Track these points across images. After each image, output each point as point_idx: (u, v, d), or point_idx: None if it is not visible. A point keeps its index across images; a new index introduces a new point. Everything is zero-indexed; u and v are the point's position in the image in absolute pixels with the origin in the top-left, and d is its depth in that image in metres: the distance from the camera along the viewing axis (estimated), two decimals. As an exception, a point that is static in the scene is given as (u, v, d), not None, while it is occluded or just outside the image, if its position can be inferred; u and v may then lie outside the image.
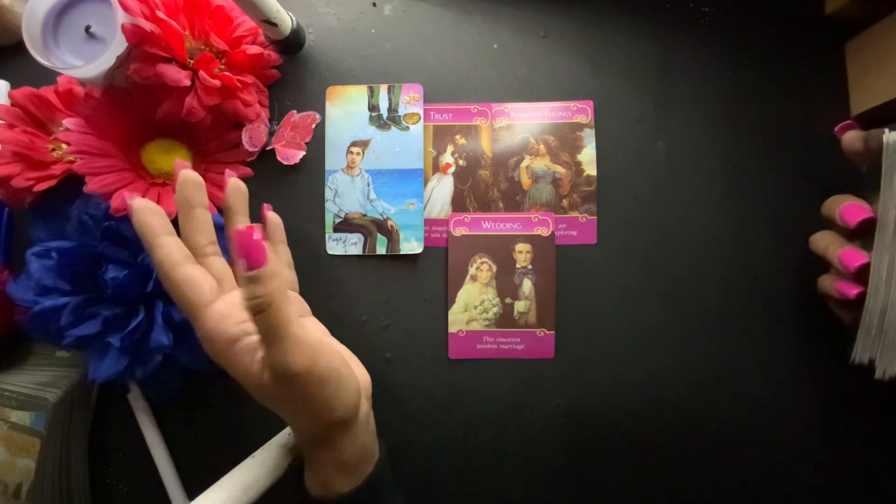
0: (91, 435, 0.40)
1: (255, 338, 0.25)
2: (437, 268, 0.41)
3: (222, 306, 0.26)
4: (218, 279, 0.28)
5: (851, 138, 0.33)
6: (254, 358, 0.25)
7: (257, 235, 0.21)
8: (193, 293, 0.26)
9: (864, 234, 0.32)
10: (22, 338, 0.40)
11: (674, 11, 0.42)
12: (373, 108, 0.42)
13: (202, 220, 0.28)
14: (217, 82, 0.36)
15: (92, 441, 0.40)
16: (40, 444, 0.36)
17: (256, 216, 0.41)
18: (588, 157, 0.41)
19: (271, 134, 0.41)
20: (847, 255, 0.32)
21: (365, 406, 0.30)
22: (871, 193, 0.32)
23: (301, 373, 0.24)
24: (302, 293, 0.37)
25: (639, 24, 0.42)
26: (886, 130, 0.30)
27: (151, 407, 0.40)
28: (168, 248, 0.26)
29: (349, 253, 0.41)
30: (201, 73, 0.35)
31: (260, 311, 0.22)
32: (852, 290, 0.32)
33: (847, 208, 0.32)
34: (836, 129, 0.34)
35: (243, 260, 0.21)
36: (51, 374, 0.38)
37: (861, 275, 0.32)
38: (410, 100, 0.41)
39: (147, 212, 0.26)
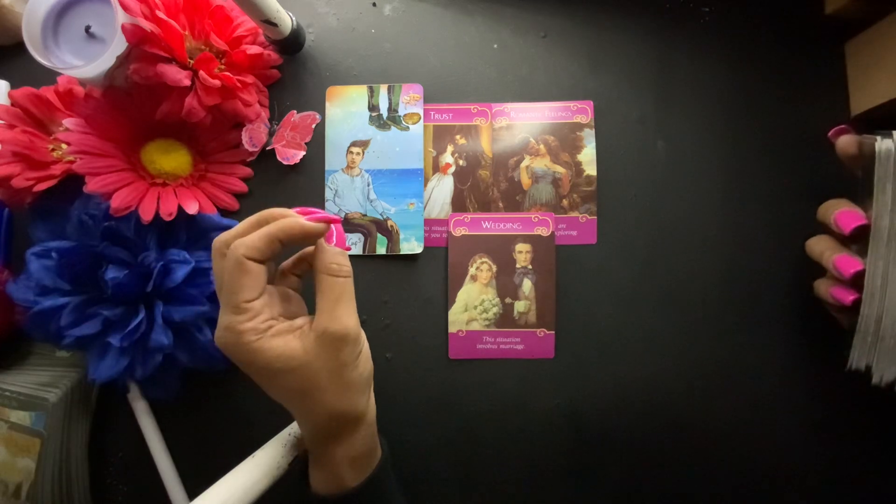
0: (91, 435, 0.40)
1: (286, 323, 0.28)
2: (437, 268, 0.41)
3: (259, 304, 0.27)
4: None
5: (845, 143, 0.33)
6: (289, 336, 0.27)
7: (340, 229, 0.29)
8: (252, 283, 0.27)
9: (859, 239, 0.32)
10: (22, 338, 0.40)
11: (674, 11, 0.42)
12: (373, 108, 0.42)
13: (273, 249, 0.28)
14: (217, 82, 0.36)
15: (92, 441, 0.39)
16: (40, 444, 0.36)
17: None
18: (588, 157, 0.41)
19: (271, 134, 0.41)
20: (842, 261, 0.32)
21: (372, 398, 0.31)
22: (866, 198, 0.32)
23: (353, 332, 0.27)
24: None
25: (639, 24, 0.42)
26: (878, 138, 0.30)
27: (151, 407, 0.40)
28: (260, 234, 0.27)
29: (349, 253, 0.41)
30: (201, 73, 0.35)
31: (344, 275, 0.28)
32: (848, 297, 0.32)
33: (841, 215, 0.32)
34: (830, 132, 0.34)
35: (341, 240, 0.29)
36: (51, 374, 0.38)
37: (856, 281, 0.32)
38: (410, 100, 0.41)
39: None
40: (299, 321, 0.28)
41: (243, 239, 0.27)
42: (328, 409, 0.28)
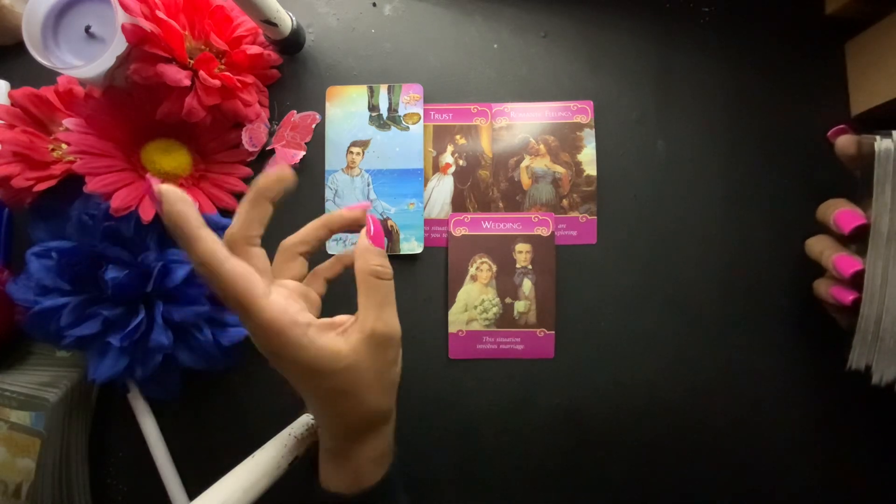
0: (91, 435, 0.40)
1: (326, 319, 0.28)
2: (437, 268, 0.41)
3: (279, 297, 0.25)
4: (262, 270, 0.27)
5: (844, 143, 0.33)
6: (332, 333, 0.27)
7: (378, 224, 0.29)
8: (250, 285, 0.24)
9: (858, 239, 0.32)
10: (22, 338, 0.40)
11: (674, 11, 0.42)
12: (373, 108, 0.42)
13: (266, 214, 0.28)
14: (217, 82, 0.36)
15: (92, 441, 0.40)
16: (40, 444, 0.36)
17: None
18: (588, 157, 0.41)
19: (271, 134, 0.41)
20: (842, 261, 0.32)
21: None
22: (865, 198, 0.32)
23: (399, 333, 0.28)
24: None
25: (639, 24, 0.42)
26: (878, 138, 0.30)
27: (151, 407, 0.40)
28: (213, 242, 0.24)
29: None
30: (201, 73, 0.35)
31: (389, 277, 0.28)
32: (847, 297, 0.32)
33: (841, 214, 0.32)
34: (829, 133, 0.34)
35: (379, 238, 0.29)
36: (51, 374, 0.38)
37: (856, 281, 0.32)
38: (410, 100, 0.41)
39: (181, 201, 0.24)
40: (339, 318, 0.29)
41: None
42: (367, 409, 0.28)
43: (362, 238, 0.29)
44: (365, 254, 0.28)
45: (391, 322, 0.27)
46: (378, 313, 0.27)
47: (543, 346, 0.40)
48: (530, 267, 0.40)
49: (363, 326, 0.27)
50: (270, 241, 0.42)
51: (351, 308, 0.28)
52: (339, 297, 0.33)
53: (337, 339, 0.26)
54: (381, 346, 0.27)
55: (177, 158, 0.38)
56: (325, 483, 0.29)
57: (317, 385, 0.27)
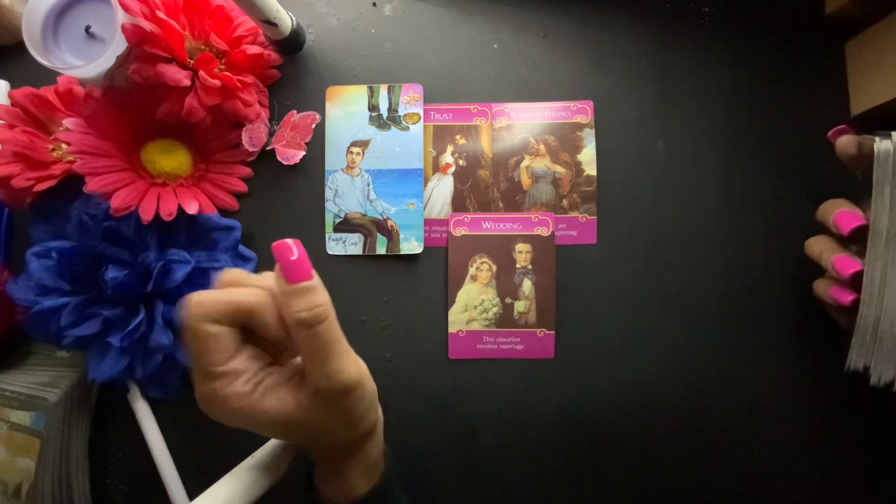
0: (91, 435, 0.39)
1: (275, 375, 0.25)
2: (437, 268, 0.41)
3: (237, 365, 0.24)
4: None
5: (845, 143, 0.33)
6: (281, 392, 0.24)
7: (299, 249, 0.23)
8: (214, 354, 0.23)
9: (858, 239, 0.32)
10: (22, 338, 0.40)
11: (674, 11, 0.42)
12: (373, 108, 0.42)
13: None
14: (217, 82, 0.36)
15: (92, 441, 0.39)
16: (40, 444, 0.36)
17: (259, 217, 0.41)
18: (588, 157, 0.41)
19: (271, 134, 0.41)
20: (841, 262, 0.32)
21: (378, 405, 0.30)
22: (865, 198, 0.32)
23: (353, 381, 0.24)
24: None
25: (639, 24, 0.42)
26: (877, 139, 0.30)
27: (151, 407, 0.40)
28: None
29: (349, 253, 0.41)
30: (201, 73, 0.35)
31: (319, 321, 0.22)
32: (847, 297, 0.32)
33: (840, 215, 0.32)
34: (829, 133, 0.34)
35: (293, 272, 0.22)
36: (51, 374, 0.38)
37: (855, 282, 0.32)
38: (410, 100, 0.41)
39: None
40: (289, 369, 0.25)
41: (200, 299, 0.22)
42: (342, 440, 0.27)
43: (277, 279, 0.23)
44: (285, 298, 0.23)
45: (340, 375, 0.23)
46: (321, 369, 0.23)
47: (543, 346, 0.40)
48: (530, 267, 0.40)
49: (309, 384, 0.24)
50: (271, 243, 0.42)
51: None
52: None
53: (286, 397, 0.24)
54: (334, 401, 0.24)
55: (177, 158, 0.38)
56: (319, 490, 0.30)
57: (284, 435, 0.26)
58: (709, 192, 0.41)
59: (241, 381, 0.23)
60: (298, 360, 0.26)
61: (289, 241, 0.23)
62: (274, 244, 0.23)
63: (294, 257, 0.23)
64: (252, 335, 0.25)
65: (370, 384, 0.26)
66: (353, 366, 0.24)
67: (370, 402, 0.26)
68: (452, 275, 0.40)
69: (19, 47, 0.38)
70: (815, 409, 0.39)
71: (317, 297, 0.23)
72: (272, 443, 0.32)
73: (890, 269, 0.30)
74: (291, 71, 0.42)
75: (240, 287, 0.24)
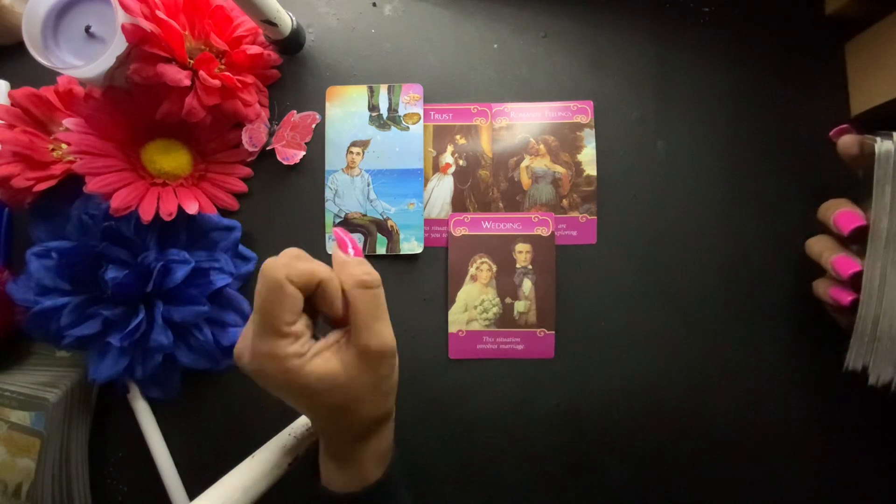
0: (91, 435, 0.40)
1: (322, 341, 0.27)
2: (437, 268, 0.41)
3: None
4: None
5: (847, 142, 0.33)
6: (326, 354, 0.26)
7: (349, 237, 0.29)
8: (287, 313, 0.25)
9: (858, 240, 0.32)
10: (22, 338, 0.40)
11: (674, 11, 0.42)
12: (373, 108, 0.42)
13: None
14: (217, 82, 0.36)
15: (92, 441, 0.39)
16: (40, 444, 0.36)
17: (259, 217, 0.41)
18: (588, 157, 0.41)
19: (271, 134, 0.41)
20: (840, 262, 0.32)
21: None
22: (866, 198, 0.32)
23: (393, 346, 0.27)
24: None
25: (639, 24, 0.42)
26: (878, 140, 0.30)
27: (151, 407, 0.40)
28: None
29: (349, 253, 0.41)
30: (201, 73, 0.35)
31: (378, 284, 0.27)
32: (846, 298, 0.32)
33: (841, 215, 0.32)
34: (831, 132, 0.34)
35: (356, 249, 0.28)
36: (51, 374, 0.38)
37: (854, 282, 0.32)
38: (410, 100, 0.41)
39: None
40: (333, 336, 0.28)
41: (286, 261, 0.25)
42: (366, 417, 0.28)
43: (336, 254, 0.28)
44: (345, 266, 0.27)
45: (384, 336, 0.26)
46: (370, 328, 0.26)
47: (543, 346, 0.40)
48: (530, 267, 0.40)
49: (356, 342, 0.26)
50: (271, 243, 0.42)
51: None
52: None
53: (332, 359, 0.26)
54: (376, 361, 0.26)
55: (177, 158, 0.38)
56: (326, 483, 0.30)
57: (314, 404, 0.27)
58: (709, 192, 0.41)
59: (299, 342, 0.26)
60: (335, 334, 0.28)
61: (338, 230, 0.29)
62: (335, 229, 0.30)
63: (350, 238, 0.29)
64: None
65: (397, 369, 0.29)
66: (391, 332, 0.27)
67: (395, 382, 0.29)
68: (452, 275, 0.40)
69: (19, 47, 0.38)
70: (815, 409, 0.39)
71: (372, 267, 0.27)
72: (272, 443, 0.32)
73: (890, 270, 0.30)
74: (291, 71, 0.42)
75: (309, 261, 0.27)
